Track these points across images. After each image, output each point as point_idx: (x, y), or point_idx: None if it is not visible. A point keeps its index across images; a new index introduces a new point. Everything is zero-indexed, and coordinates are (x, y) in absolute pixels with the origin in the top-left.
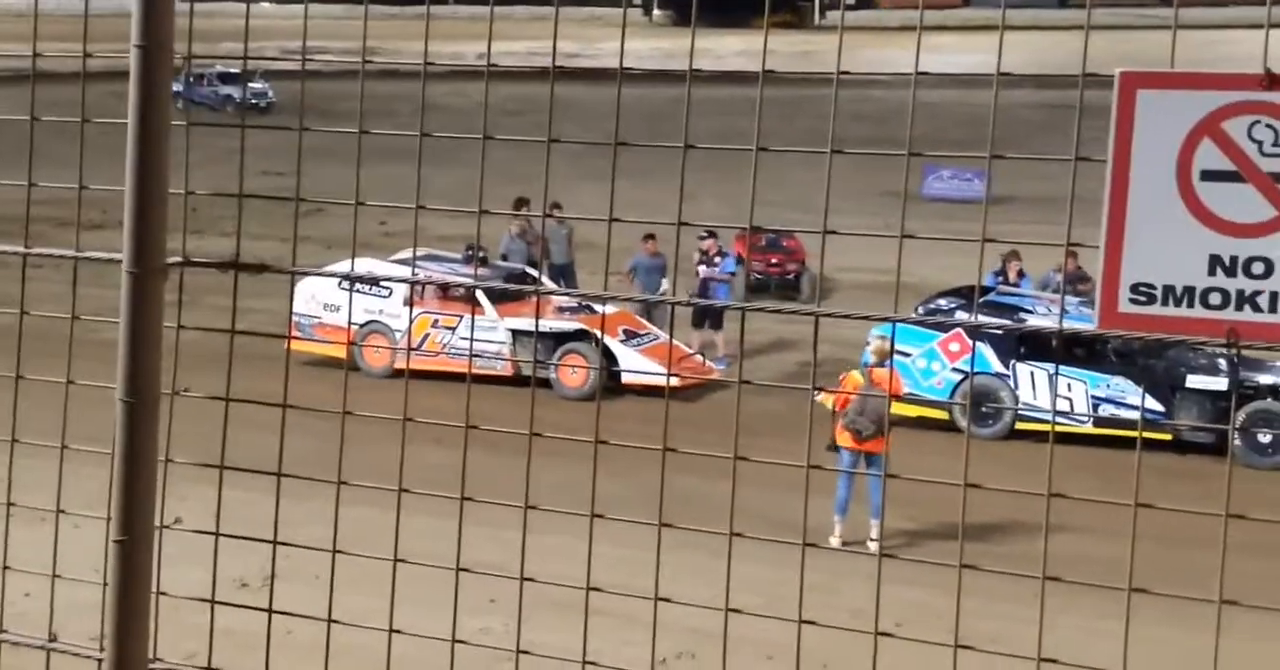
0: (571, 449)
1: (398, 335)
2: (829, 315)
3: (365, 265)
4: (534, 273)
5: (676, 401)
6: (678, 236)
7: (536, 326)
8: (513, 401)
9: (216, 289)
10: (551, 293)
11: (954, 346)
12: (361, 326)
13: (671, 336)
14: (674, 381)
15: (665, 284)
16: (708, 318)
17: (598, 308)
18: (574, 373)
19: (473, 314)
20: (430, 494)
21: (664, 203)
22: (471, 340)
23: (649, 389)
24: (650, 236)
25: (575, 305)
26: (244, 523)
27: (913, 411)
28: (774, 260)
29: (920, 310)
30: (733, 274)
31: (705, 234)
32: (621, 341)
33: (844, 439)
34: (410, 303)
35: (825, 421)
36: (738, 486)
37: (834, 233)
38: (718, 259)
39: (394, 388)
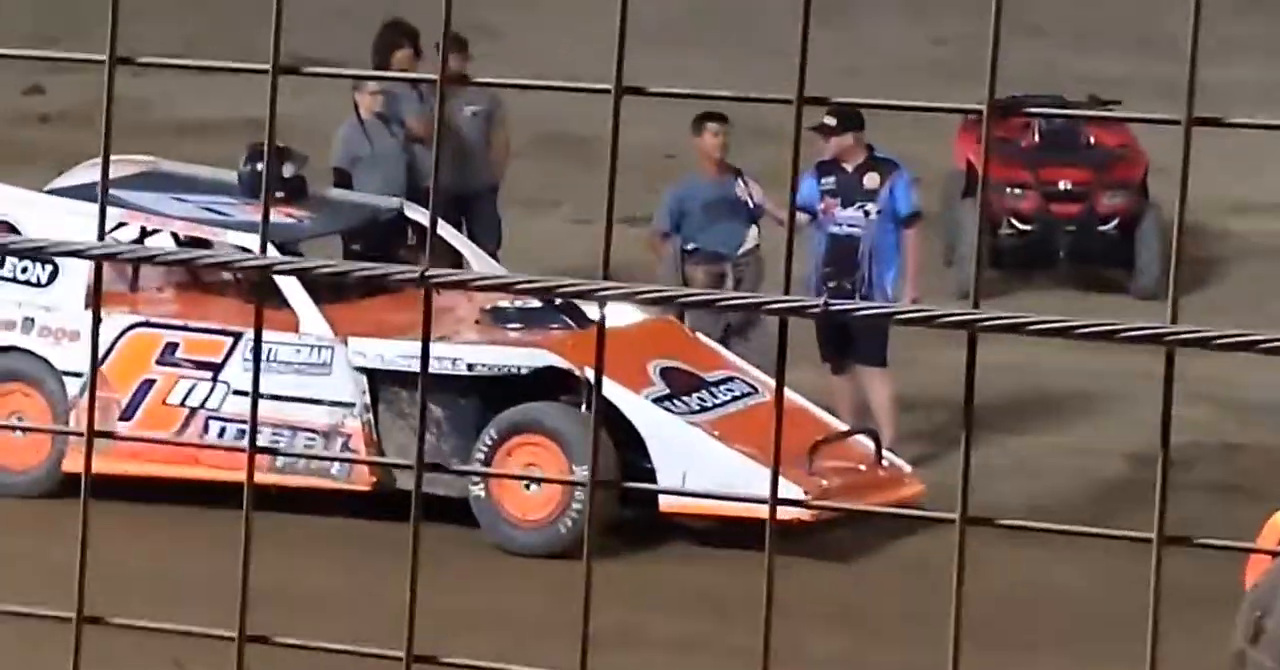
0: None
1: (72, 387)
2: (1204, 341)
3: None
4: (420, 216)
5: (792, 559)
6: (797, 122)
7: (425, 365)
8: (379, 558)
9: None
10: (459, 281)
11: None
12: None
13: (781, 385)
14: (793, 511)
15: (752, 237)
16: (855, 343)
17: (589, 313)
18: (530, 489)
19: (258, 330)
20: None
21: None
22: (256, 398)
23: (729, 522)
24: (712, 119)
25: (533, 306)
26: None
27: None
28: (1062, 185)
29: None
30: (912, 218)
31: (831, 121)
32: (657, 400)
33: None
34: (96, 302)
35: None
36: None
37: (1214, 122)
38: (869, 180)
39: (62, 517)
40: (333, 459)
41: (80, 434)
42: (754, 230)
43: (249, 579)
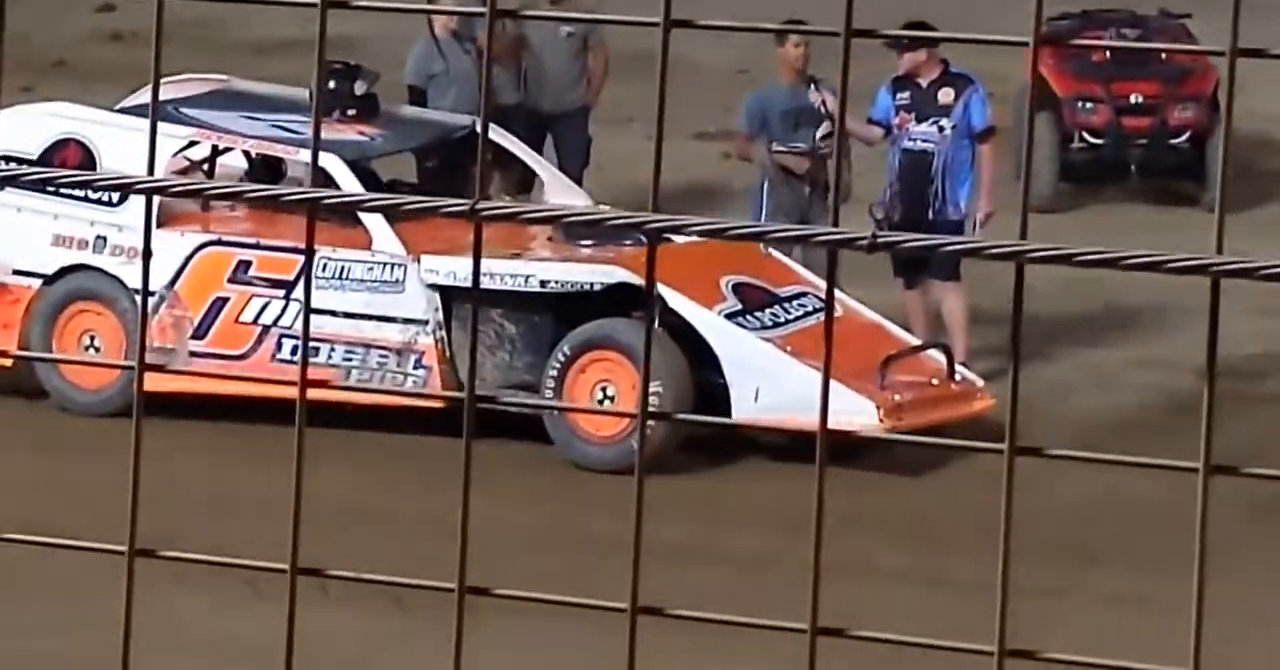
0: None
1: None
2: (1248, 272)
3: (56, 120)
4: (493, 135)
5: (863, 473)
6: (845, 54)
7: (476, 295)
8: (451, 476)
9: None
10: (509, 213)
11: None
12: (49, 284)
13: (830, 312)
14: (862, 422)
15: (824, 129)
16: (929, 258)
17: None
18: (603, 405)
19: (308, 254)
20: None
21: None
22: (307, 325)
23: (802, 438)
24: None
25: (603, 223)
26: None
27: None
28: (1133, 98)
29: None
30: (986, 133)
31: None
32: (729, 316)
33: None
34: (147, 237)
35: None
36: None
37: (1258, 53)
38: (943, 95)
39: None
40: (378, 391)
41: (130, 367)
42: (826, 125)
43: (301, 508)
